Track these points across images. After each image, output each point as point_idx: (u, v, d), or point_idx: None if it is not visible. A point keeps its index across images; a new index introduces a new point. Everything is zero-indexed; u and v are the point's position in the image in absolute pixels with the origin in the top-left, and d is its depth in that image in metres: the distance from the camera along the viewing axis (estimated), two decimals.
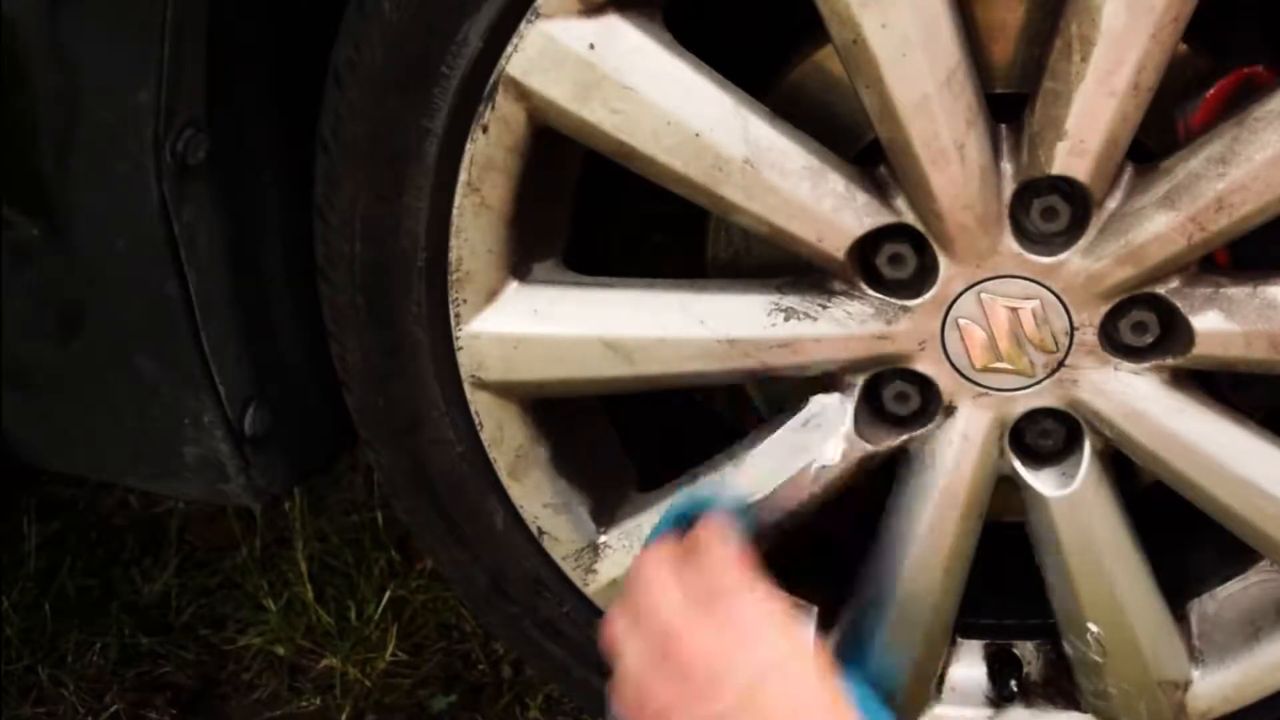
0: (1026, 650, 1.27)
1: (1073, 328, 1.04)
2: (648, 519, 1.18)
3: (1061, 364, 1.06)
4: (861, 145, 1.10)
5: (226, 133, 1.11)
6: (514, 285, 1.11)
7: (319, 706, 1.68)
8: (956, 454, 1.10)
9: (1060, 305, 1.03)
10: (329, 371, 1.20)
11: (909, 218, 1.02)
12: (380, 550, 1.81)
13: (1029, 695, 1.27)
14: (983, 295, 1.04)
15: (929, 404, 1.10)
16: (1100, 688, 1.21)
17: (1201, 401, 1.07)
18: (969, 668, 1.27)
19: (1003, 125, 1.00)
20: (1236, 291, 1.02)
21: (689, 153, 1.01)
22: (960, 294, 1.04)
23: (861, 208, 1.02)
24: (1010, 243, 1.02)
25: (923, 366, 1.07)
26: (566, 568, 1.22)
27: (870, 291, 1.05)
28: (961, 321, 1.05)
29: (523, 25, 1.00)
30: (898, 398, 1.10)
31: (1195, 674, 1.20)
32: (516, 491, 1.19)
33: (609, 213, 1.34)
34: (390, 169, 1.07)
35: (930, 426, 1.10)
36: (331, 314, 1.16)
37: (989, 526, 1.15)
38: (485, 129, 1.04)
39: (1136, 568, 1.15)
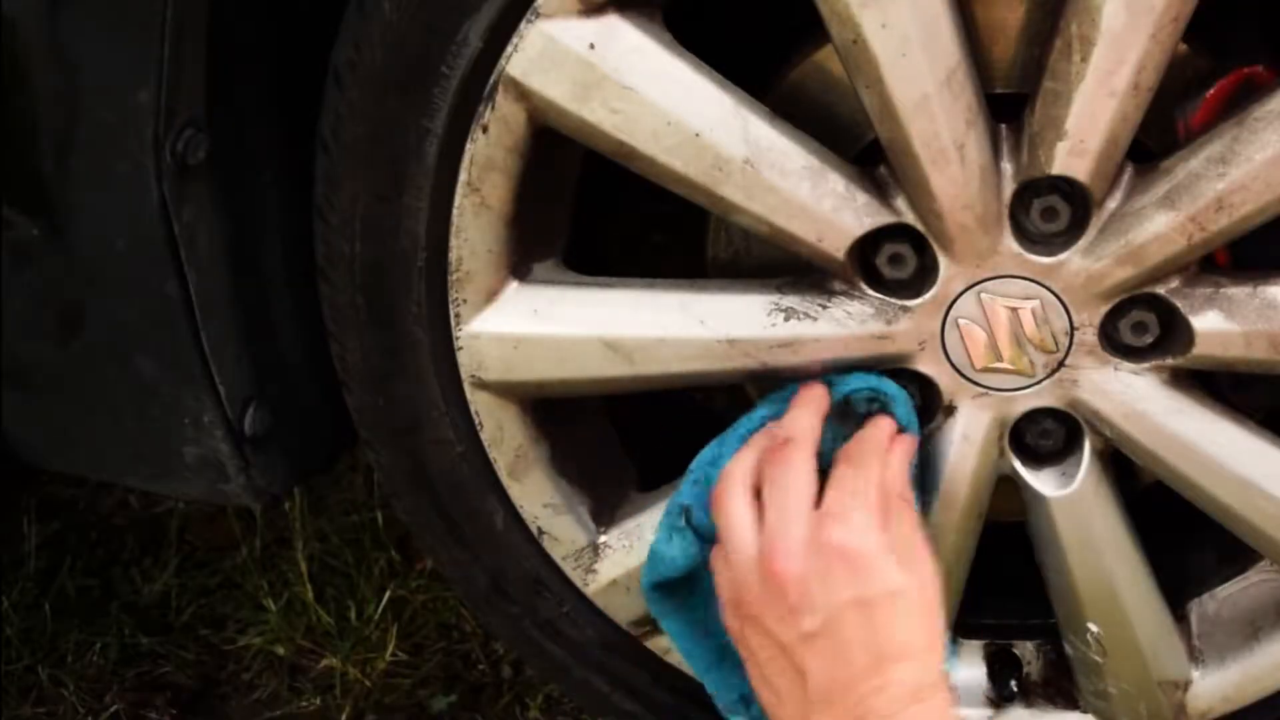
0: (1026, 650, 1.27)
1: (1073, 328, 1.04)
2: (648, 519, 1.18)
3: (1061, 364, 1.06)
4: (861, 145, 1.10)
5: (226, 133, 1.11)
6: (514, 285, 1.11)
7: (319, 706, 1.68)
8: (956, 454, 1.10)
9: (1060, 305, 1.03)
10: (329, 371, 1.20)
11: (909, 218, 1.02)
12: (380, 550, 1.81)
13: (1029, 695, 1.27)
14: (983, 295, 1.04)
15: (929, 404, 1.10)
16: (1100, 688, 1.21)
17: (1201, 401, 1.07)
18: (969, 668, 1.27)
19: (1003, 125, 1.00)
20: (1236, 291, 1.02)
21: (689, 153, 1.01)
22: (960, 294, 1.04)
23: (861, 208, 1.02)
24: (1010, 243, 1.02)
25: (923, 366, 1.07)
26: (566, 568, 1.22)
27: (870, 291, 1.05)
28: (961, 321, 1.05)
29: (523, 25, 1.00)
30: None
31: (1195, 674, 1.20)
32: (516, 491, 1.19)
33: (609, 213, 1.35)
34: (390, 169, 1.07)
35: (930, 426, 1.10)
36: (331, 314, 1.16)
37: (989, 526, 1.16)
38: (485, 129, 1.04)
39: (1136, 568, 1.15)
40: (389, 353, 1.15)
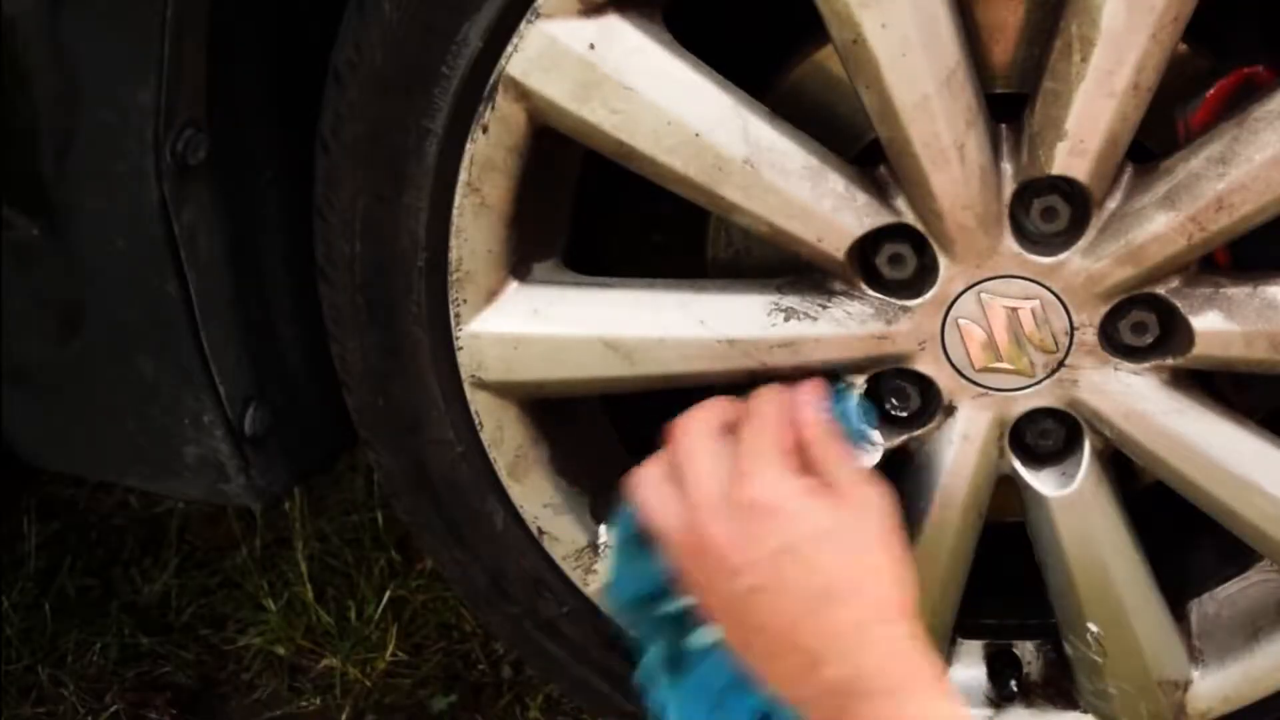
0: (1026, 650, 1.27)
1: (1072, 328, 1.04)
2: None
3: (1061, 364, 1.06)
4: (861, 145, 1.10)
5: (226, 133, 1.11)
6: (514, 285, 1.11)
7: (319, 706, 1.68)
8: (956, 454, 1.10)
9: (1060, 305, 1.03)
10: (329, 371, 1.20)
11: (909, 218, 1.02)
12: (380, 550, 1.81)
13: (1029, 695, 1.27)
14: (983, 295, 1.04)
15: (929, 404, 1.10)
16: (1100, 688, 1.21)
17: (1201, 401, 1.07)
18: (969, 668, 1.27)
19: (1003, 125, 1.00)
20: (1236, 291, 1.02)
21: (689, 153, 1.01)
22: (960, 294, 1.04)
23: (861, 208, 1.02)
24: (1010, 243, 1.02)
25: (923, 366, 1.07)
26: (567, 568, 1.22)
27: (870, 291, 1.05)
28: (961, 321, 1.05)
29: (523, 25, 1.00)
30: (898, 398, 1.10)
31: (1195, 674, 1.20)
32: (516, 491, 1.19)
33: (609, 213, 1.34)
34: (390, 169, 1.07)
35: (930, 426, 1.10)
36: (331, 314, 1.16)
37: (989, 526, 1.15)
38: (485, 129, 1.04)
39: (1136, 568, 1.15)
40: (389, 353, 1.15)
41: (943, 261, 1.03)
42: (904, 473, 1.13)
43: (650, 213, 1.29)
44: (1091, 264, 1.01)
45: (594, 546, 1.20)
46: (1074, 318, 1.04)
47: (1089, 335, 1.04)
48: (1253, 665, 1.19)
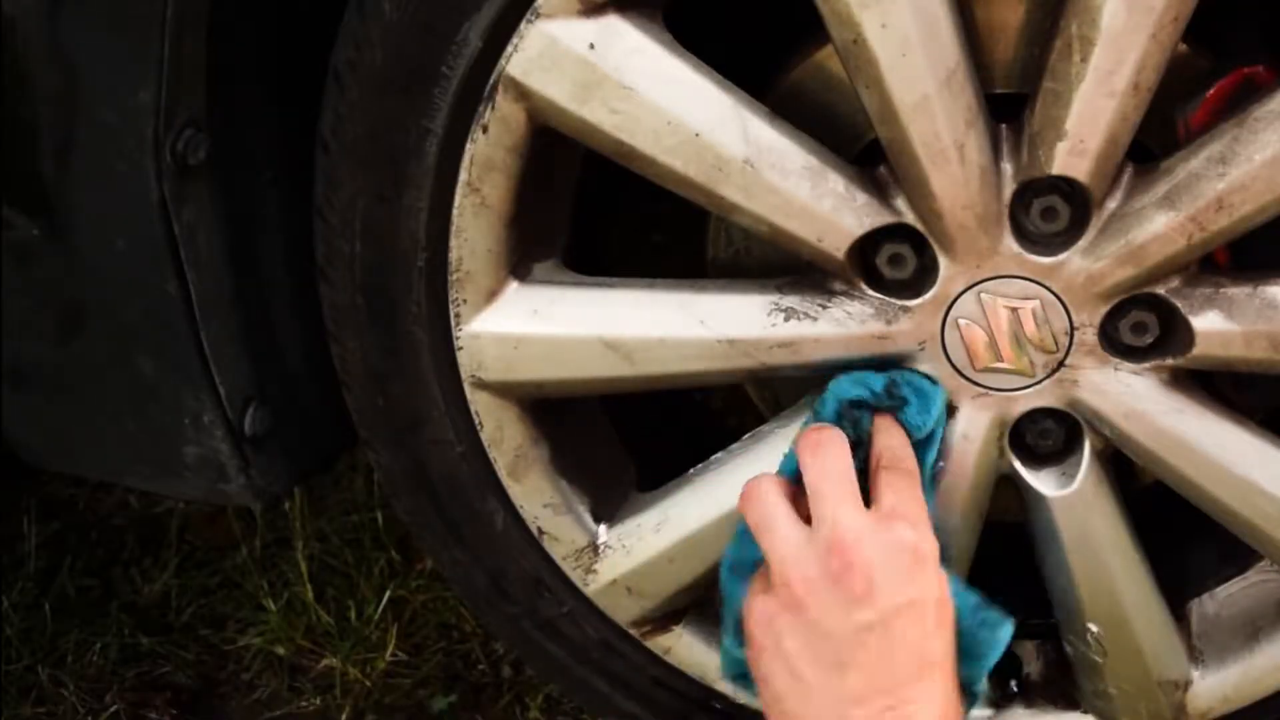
0: (1026, 650, 1.27)
1: (1073, 328, 1.04)
2: (648, 519, 1.18)
3: (1061, 364, 1.06)
4: (861, 145, 1.10)
5: (226, 133, 1.11)
6: (514, 285, 1.11)
7: (319, 706, 1.68)
8: (956, 454, 1.10)
9: (1060, 305, 1.03)
10: (329, 371, 1.20)
11: (909, 218, 1.02)
12: (380, 550, 1.81)
13: (1029, 695, 1.27)
14: (983, 295, 1.04)
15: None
16: (1100, 688, 1.21)
17: (1201, 401, 1.07)
18: None
19: (1003, 125, 1.00)
20: (1236, 291, 1.02)
21: (689, 153, 1.01)
22: (960, 294, 1.04)
23: (861, 208, 1.02)
24: (1010, 243, 1.02)
25: (923, 366, 1.07)
26: (566, 568, 1.22)
27: (870, 291, 1.05)
28: (961, 321, 1.05)
29: (523, 25, 1.00)
30: None
31: (1195, 674, 1.20)
32: (516, 491, 1.19)
33: (609, 213, 1.35)
34: (390, 169, 1.07)
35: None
36: (331, 314, 1.16)
37: (989, 526, 1.15)
38: (485, 129, 1.04)
39: (1136, 568, 1.15)
40: (389, 353, 1.15)
41: (943, 261, 1.03)
42: None
43: (650, 213, 1.29)
44: (1091, 264, 1.01)
45: (594, 546, 1.20)
46: (1074, 318, 1.04)
47: (1089, 335, 1.04)
48: (1253, 665, 1.19)
